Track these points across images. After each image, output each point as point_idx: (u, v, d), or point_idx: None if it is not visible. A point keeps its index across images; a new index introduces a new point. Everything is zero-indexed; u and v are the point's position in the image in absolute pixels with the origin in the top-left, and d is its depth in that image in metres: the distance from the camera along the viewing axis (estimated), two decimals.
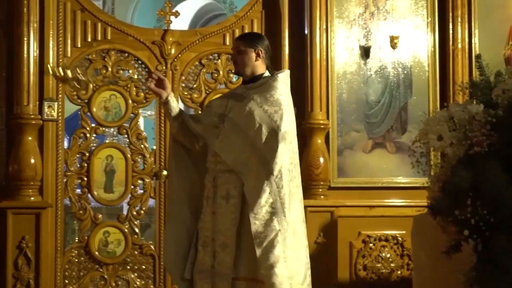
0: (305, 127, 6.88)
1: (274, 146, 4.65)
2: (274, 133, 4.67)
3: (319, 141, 6.90)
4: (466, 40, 7.17)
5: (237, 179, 4.76)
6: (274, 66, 6.78)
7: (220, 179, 4.84)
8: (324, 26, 6.94)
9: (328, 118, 6.95)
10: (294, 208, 4.79)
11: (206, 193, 4.91)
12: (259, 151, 4.68)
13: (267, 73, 4.98)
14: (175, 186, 5.10)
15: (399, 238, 7.04)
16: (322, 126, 6.91)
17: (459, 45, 7.15)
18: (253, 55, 4.93)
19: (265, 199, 4.61)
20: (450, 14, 7.18)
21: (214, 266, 4.82)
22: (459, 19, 7.17)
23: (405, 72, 7.16)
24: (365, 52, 7.10)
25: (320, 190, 6.89)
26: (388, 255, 7.04)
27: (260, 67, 4.97)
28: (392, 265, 7.04)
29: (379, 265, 7.02)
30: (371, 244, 7.03)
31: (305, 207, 6.60)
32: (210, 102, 5.23)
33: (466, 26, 7.18)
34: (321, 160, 6.85)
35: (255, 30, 7.05)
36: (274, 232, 4.61)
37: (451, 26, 7.18)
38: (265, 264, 4.58)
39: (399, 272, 7.04)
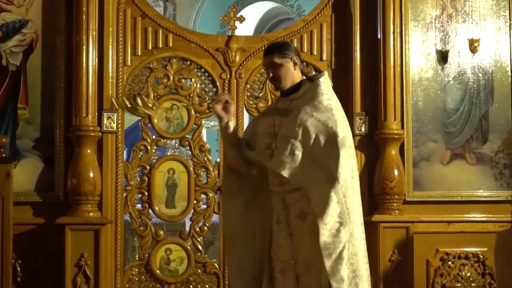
0: (378, 137, 6.84)
1: (335, 154, 4.60)
2: (333, 141, 4.62)
3: (393, 152, 6.84)
4: None
5: (307, 195, 4.70)
6: (345, 72, 6.80)
7: (290, 199, 4.80)
8: (398, 30, 6.89)
9: (402, 128, 6.89)
10: (358, 230, 4.75)
11: (276, 217, 4.87)
12: (320, 162, 4.63)
13: (304, 78, 4.92)
14: (234, 222, 5.03)
15: (481, 256, 6.97)
16: (396, 136, 6.84)
17: None
18: (291, 65, 4.84)
19: (333, 208, 4.57)
20: None
21: None
22: None
23: (486, 77, 7.09)
24: (443, 56, 7.04)
25: (395, 204, 6.82)
26: (469, 274, 6.98)
27: (298, 75, 4.90)
28: (473, 284, 6.97)
29: (458, 284, 6.96)
30: (450, 262, 6.96)
31: (379, 222, 6.74)
32: (254, 125, 5.12)
33: None
34: (396, 172, 6.78)
35: (325, 35, 7.04)
36: (342, 244, 4.58)
37: None
38: (336, 277, 4.56)
39: None
